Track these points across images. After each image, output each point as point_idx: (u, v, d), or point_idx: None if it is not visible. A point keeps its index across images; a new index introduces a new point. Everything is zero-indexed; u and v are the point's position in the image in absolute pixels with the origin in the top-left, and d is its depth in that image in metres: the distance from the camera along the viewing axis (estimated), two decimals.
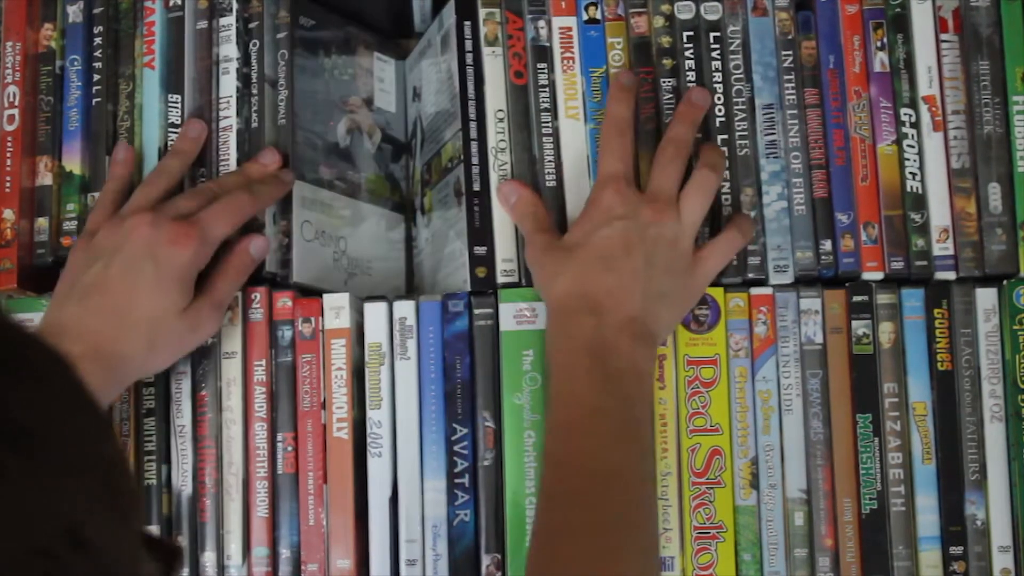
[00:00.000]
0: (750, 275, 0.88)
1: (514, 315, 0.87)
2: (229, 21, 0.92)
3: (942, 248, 0.89)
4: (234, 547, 0.86)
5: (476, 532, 0.86)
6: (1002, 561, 0.86)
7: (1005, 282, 0.88)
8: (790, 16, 0.91)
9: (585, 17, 0.91)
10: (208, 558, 0.86)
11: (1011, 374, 0.87)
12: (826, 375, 0.87)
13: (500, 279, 0.88)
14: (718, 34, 0.91)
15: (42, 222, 0.91)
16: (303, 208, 0.91)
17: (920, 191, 0.89)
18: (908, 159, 0.89)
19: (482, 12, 0.91)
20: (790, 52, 0.91)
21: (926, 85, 0.90)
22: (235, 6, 0.92)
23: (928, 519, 0.86)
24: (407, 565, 0.86)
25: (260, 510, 0.86)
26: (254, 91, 0.91)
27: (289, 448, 0.87)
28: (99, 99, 0.92)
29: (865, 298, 0.88)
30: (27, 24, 0.93)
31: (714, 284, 0.88)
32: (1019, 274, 0.88)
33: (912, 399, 0.87)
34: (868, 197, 0.89)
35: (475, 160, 0.90)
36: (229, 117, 0.91)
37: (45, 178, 0.91)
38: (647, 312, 0.82)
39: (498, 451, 0.86)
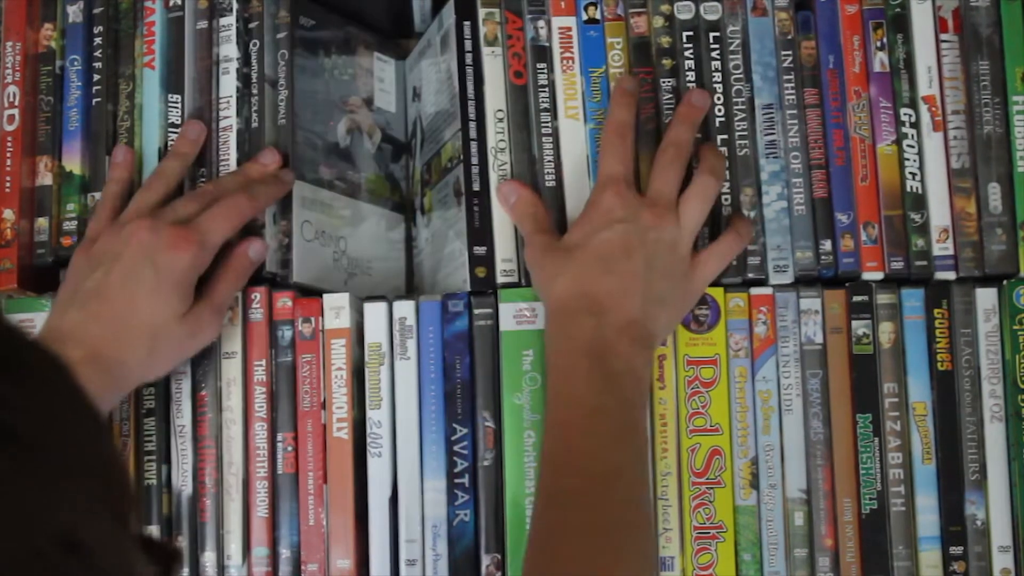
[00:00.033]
0: (750, 275, 0.88)
1: (514, 315, 0.87)
2: (229, 21, 0.92)
3: (942, 248, 0.89)
4: (234, 547, 0.86)
5: (476, 532, 0.86)
6: (1002, 561, 0.86)
7: (1005, 282, 0.88)
8: (790, 16, 0.91)
9: (585, 17, 0.91)
10: (208, 558, 0.86)
11: (1011, 374, 0.87)
12: (826, 375, 0.87)
13: (500, 279, 0.88)
14: (718, 34, 0.91)
15: (42, 222, 0.91)
16: (303, 208, 0.91)
17: (920, 191, 0.89)
18: (908, 159, 0.89)
19: (481, 12, 0.91)
20: (790, 52, 0.91)
21: (926, 85, 0.90)
22: (235, 6, 0.92)
23: (928, 519, 0.86)
24: (407, 565, 0.86)
25: (260, 510, 0.86)
26: (254, 91, 0.91)
27: (289, 448, 0.87)
28: (99, 99, 0.92)
29: (865, 298, 0.88)
30: (27, 24, 0.93)
31: (714, 284, 0.88)
32: (1019, 274, 0.88)
33: (912, 399, 0.87)
34: (868, 197, 0.89)
35: (474, 160, 0.90)
36: (229, 117, 0.91)
37: (45, 178, 0.92)
38: (646, 315, 0.82)
39: (498, 451, 0.86)
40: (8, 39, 0.93)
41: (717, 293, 0.88)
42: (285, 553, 0.86)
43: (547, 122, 0.90)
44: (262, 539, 0.86)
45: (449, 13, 0.93)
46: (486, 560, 0.86)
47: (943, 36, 0.91)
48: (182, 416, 0.87)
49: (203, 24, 0.92)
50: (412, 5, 1.01)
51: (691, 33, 0.91)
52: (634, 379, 0.81)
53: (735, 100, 0.90)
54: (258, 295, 0.88)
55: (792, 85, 0.90)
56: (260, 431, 0.87)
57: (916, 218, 0.89)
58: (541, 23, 0.91)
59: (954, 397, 0.87)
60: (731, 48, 0.91)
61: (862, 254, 0.89)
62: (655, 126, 0.90)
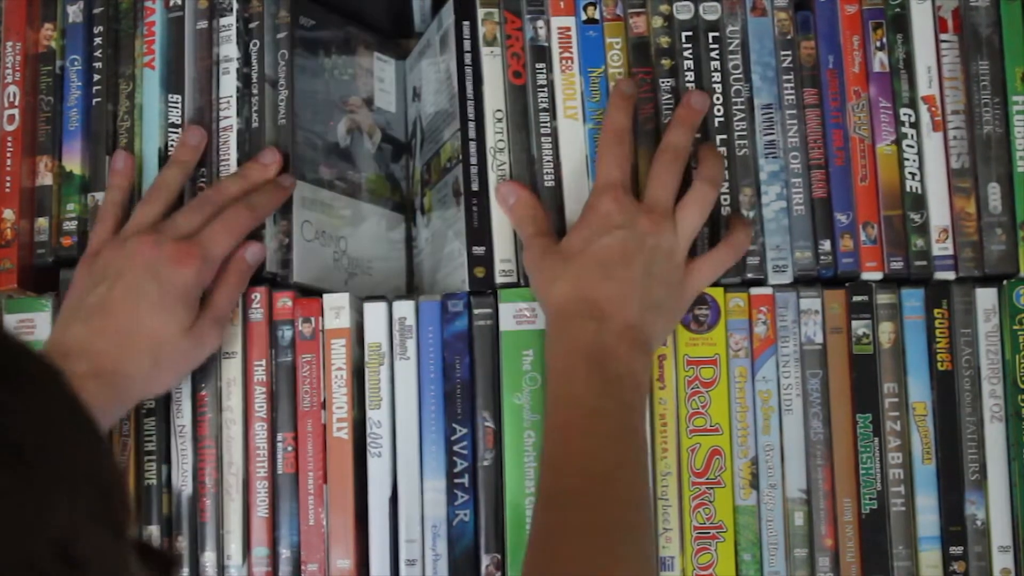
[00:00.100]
0: (749, 275, 0.88)
1: (514, 315, 0.87)
2: (229, 21, 0.92)
3: (942, 248, 0.88)
4: (234, 547, 0.86)
5: (476, 532, 0.86)
6: (1002, 561, 0.86)
7: (1005, 282, 0.88)
8: (789, 16, 0.91)
9: (584, 17, 0.91)
10: (208, 558, 0.86)
11: (1011, 374, 0.87)
12: (826, 375, 0.87)
13: (498, 279, 0.88)
14: (717, 34, 0.91)
15: (42, 222, 0.91)
16: (303, 208, 0.91)
17: (919, 191, 0.89)
18: (907, 159, 0.89)
19: (481, 12, 0.91)
20: (789, 52, 0.91)
21: (926, 85, 0.90)
22: (235, 6, 0.92)
23: (928, 519, 0.86)
24: (407, 565, 0.86)
25: (260, 510, 0.87)
26: (254, 91, 0.91)
27: (289, 448, 0.87)
28: (99, 99, 0.92)
29: (865, 298, 0.88)
30: (27, 24, 0.93)
31: (714, 284, 0.88)
32: (1019, 274, 0.88)
33: (912, 399, 0.87)
34: (867, 197, 0.89)
35: (474, 160, 0.90)
36: (229, 117, 0.91)
37: (45, 178, 0.92)
38: (644, 321, 0.82)
39: (498, 451, 0.86)
40: (8, 39, 0.93)
41: (717, 293, 0.88)
42: (285, 553, 0.86)
43: (546, 122, 0.90)
44: (262, 539, 0.86)
45: (448, 13, 0.93)
46: (486, 560, 0.86)
47: (943, 36, 0.90)
48: (182, 416, 0.88)
49: (203, 24, 0.92)
50: (412, 5, 1.01)
51: (690, 33, 0.91)
52: (633, 383, 0.81)
53: (734, 100, 0.90)
54: (258, 295, 0.88)
55: (791, 85, 0.90)
56: (260, 431, 0.87)
57: (916, 218, 0.89)
58: (540, 23, 0.91)
59: (954, 397, 0.87)
60: (730, 48, 0.91)
61: (861, 254, 0.88)
62: (654, 126, 0.90)
